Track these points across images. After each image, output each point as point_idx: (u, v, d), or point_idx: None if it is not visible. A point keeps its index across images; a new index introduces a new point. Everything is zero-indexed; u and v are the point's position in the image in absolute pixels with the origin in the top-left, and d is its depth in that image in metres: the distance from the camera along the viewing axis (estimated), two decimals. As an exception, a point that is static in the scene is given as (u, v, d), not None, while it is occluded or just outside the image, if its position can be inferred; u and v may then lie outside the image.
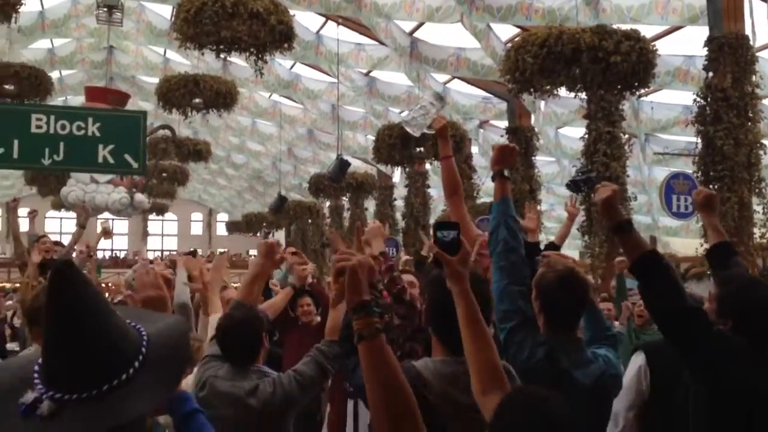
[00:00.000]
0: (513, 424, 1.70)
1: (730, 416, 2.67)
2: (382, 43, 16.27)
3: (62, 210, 26.05)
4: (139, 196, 12.81)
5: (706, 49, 10.05)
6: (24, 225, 6.98)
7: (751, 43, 9.96)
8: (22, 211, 7.12)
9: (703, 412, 2.75)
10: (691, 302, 2.61)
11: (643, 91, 11.41)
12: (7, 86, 14.38)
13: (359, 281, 1.76)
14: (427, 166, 17.81)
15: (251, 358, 3.23)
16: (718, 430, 2.71)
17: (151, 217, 40.90)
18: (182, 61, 19.07)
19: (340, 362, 2.96)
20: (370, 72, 18.31)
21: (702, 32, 10.45)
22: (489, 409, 2.08)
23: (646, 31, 10.70)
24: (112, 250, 39.45)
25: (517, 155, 3.25)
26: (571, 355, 2.78)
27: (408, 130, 3.99)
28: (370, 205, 22.68)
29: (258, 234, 37.10)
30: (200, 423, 2.02)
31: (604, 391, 2.83)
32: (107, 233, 9.32)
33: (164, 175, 22.95)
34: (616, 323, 6.69)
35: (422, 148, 15.19)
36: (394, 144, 15.42)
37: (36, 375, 1.51)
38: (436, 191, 18.42)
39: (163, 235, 46.60)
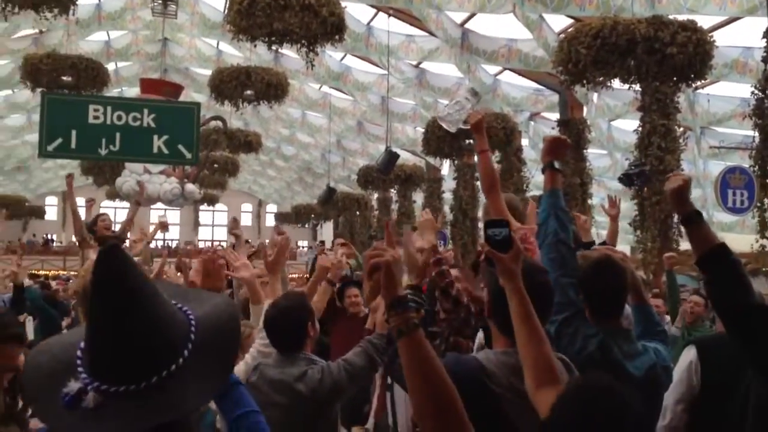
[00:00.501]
0: (572, 418, 1.67)
1: None
2: (432, 35, 16.22)
3: (116, 200, 26.55)
4: (190, 187, 13.01)
5: (765, 40, 9.82)
6: (82, 214, 7.16)
7: (813, 33, 9.69)
8: (80, 201, 7.31)
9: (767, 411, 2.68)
10: (758, 299, 2.54)
11: (699, 83, 11.19)
12: (65, 78, 14.69)
13: (394, 277, 1.74)
14: (476, 158, 17.70)
15: (296, 345, 3.25)
16: None
17: (202, 207, 41.57)
18: (235, 53, 19.30)
19: (390, 360, 2.97)
20: (420, 63, 18.28)
21: (761, 23, 10.22)
22: (542, 403, 2.07)
23: (704, 21, 10.51)
24: (164, 240, 40.15)
25: (568, 148, 3.22)
26: (621, 346, 2.77)
27: (444, 125, 4.01)
28: (419, 197, 22.67)
29: (306, 225, 37.35)
30: (239, 394, 1.91)
31: (656, 383, 2.81)
32: (164, 226, 9.50)
33: (215, 165, 23.25)
34: (667, 317, 6.61)
35: (472, 140, 15.11)
36: (443, 136, 15.38)
37: (79, 361, 1.41)
38: (485, 184, 18.28)
39: (214, 225, 47.25)
